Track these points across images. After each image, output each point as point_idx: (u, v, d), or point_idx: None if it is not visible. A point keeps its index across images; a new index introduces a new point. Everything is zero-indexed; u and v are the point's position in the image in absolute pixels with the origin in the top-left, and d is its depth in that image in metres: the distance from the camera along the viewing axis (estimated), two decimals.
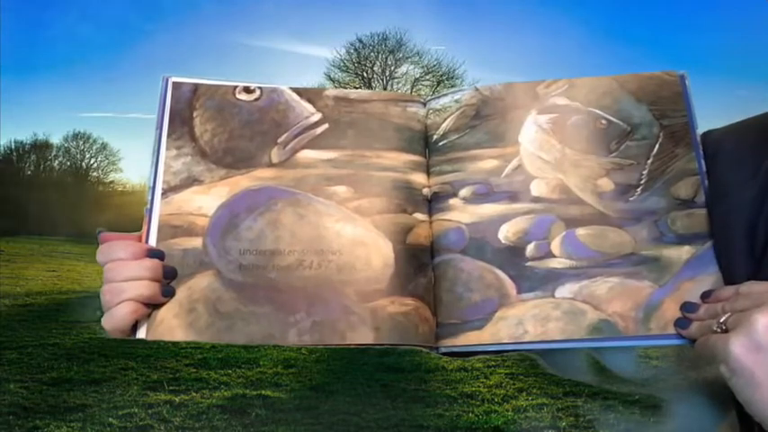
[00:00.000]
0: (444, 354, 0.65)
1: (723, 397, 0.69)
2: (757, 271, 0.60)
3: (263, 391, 4.44)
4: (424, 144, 0.70)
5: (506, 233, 0.65)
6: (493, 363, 5.10)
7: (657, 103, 0.68)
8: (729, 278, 0.61)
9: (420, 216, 0.67)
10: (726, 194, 0.65)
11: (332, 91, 0.72)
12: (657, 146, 0.66)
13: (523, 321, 0.62)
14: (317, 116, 0.70)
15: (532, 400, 4.32)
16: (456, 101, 0.71)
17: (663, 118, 0.67)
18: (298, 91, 0.71)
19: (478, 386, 4.66)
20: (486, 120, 0.69)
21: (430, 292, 0.65)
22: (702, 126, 0.68)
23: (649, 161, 0.66)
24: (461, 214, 0.67)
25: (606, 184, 0.66)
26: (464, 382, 4.76)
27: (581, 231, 0.64)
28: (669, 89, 0.68)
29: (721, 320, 0.55)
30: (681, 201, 0.64)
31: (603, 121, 0.68)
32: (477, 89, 0.71)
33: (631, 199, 0.65)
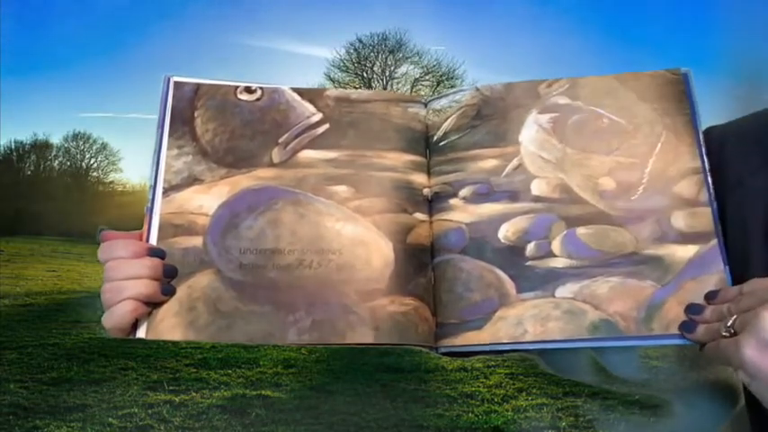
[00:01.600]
0: (444, 354, 0.65)
1: (724, 397, 0.69)
2: None
3: (263, 391, 4.44)
4: (425, 144, 0.70)
5: (506, 232, 0.65)
6: (493, 363, 5.10)
7: (660, 101, 0.67)
8: (745, 266, 0.60)
9: (420, 216, 0.67)
10: (740, 183, 0.64)
11: (333, 91, 0.72)
12: (660, 144, 0.66)
13: (523, 321, 0.62)
14: (318, 116, 0.70)
15: (532, 400, 4.32)
16: (456, 101, 0.71)
17: (665, 116, 0.67)
18: (299, 91, 0.71)
19: (478, 386, 4.66)
20: (487, 120, 0.69)
21: (430, 291, 0.65)
22: (703, 126, 0.68)
23: (651, 160, 0.66)
24: (462, 214, 0.66)
25: (608, 182, 0.65)
26: (464, 382, 4.76)
27: (582, 230, 0.64)
28: (672, 87, 0.68)
29: (728, 324, 0.53)
30: (684, 199, 0.64)
31: (605, 120, 0.67)
32: (477, 89, 0.71)
33: (633, 198, 0.64)
